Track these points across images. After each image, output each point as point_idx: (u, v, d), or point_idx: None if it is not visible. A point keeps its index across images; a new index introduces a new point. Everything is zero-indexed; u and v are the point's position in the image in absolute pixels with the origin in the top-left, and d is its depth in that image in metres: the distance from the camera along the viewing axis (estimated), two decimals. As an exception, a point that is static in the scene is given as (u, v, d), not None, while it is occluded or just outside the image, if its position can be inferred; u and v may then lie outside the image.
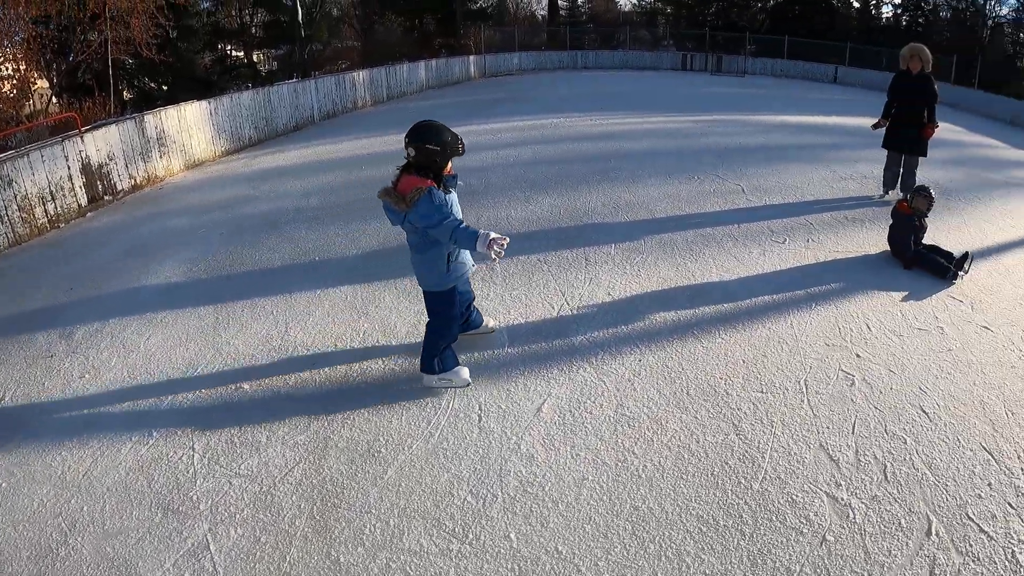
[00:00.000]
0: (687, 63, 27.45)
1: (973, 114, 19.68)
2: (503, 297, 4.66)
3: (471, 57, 22.92)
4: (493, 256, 2.91)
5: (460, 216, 3.15)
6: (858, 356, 4.18)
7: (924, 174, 8.72)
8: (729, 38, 30.78)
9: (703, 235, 6.08)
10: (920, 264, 5.40)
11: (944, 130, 15.05)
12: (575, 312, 4.51)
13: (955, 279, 5.27)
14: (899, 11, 38.52)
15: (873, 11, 38.24)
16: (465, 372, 3.52)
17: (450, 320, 3.39)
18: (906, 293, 5.05)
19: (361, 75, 15.45)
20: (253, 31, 29.89)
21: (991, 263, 5.91)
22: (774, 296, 4.91)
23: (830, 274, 5.33)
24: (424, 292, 3.36)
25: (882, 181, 7.59)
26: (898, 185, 7.43)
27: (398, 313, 4.41)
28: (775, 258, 5.58)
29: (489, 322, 4.04)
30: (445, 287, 3.27)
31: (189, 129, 9.60)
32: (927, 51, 6.94)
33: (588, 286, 5.04)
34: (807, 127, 12.45)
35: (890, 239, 5.67)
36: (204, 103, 10.05)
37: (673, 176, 8.09)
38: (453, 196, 3.15)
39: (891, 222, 5.67)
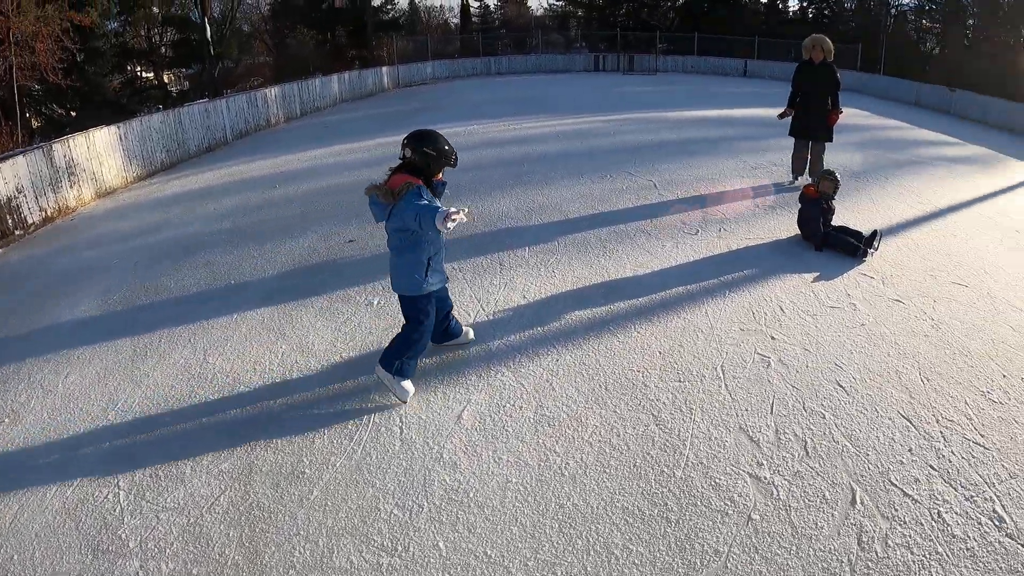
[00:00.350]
0: (599, 64, 29.02)
1: (879, 98, 21.71)
2: None
3: (384, 68, 23.96)
4: (449, 226, 3.17)
5: None
6: (773, 338, 4.55)
7: (833, 158, 9.55)
8: (640, 37, 33.06)
9: (616, 232, 6.43)
10: (831, 245, 5.92)
11: (851, 115, 16.63)
12: (491, 317, 4.76)
13: (865, 257, 5.81)
14: (805, 3, 42.00)
15: (780, 5, 41.39)
16: (411, 390, 3.76)
17: (423, 328, 3.63)
18: (818, 274, 5.53)
19: (273, 91, 15.85)
20: (163, 51, 30.51)
21: (900, 239, 6.54)
22: (688, 286, 5.26)
23: (743, 261, 5.78)
24: (399, 297, 3.63)
25: (791, 168, 8.30)
26: (806, 171, 8.10)
27: (315, 332, 4.61)
28: (688, 249, 5.97)
29: (469, 332, 4.32)
30: (418, 292, 3.54)
31: (99, 156, 9.49)
32: (828, 41, 7.74)
33: (503, 291, 5.27)
34: (717, 120, 13.37)
35: (800, 223, 6.19)
36: (114, 128, 10.00)
37: (585, 176, 8.50)
38: (437, 202, 3.46)
39: (800, 206, 6.16)
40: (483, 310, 4.87)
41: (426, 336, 3.70)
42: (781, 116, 8.00)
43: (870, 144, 12.04)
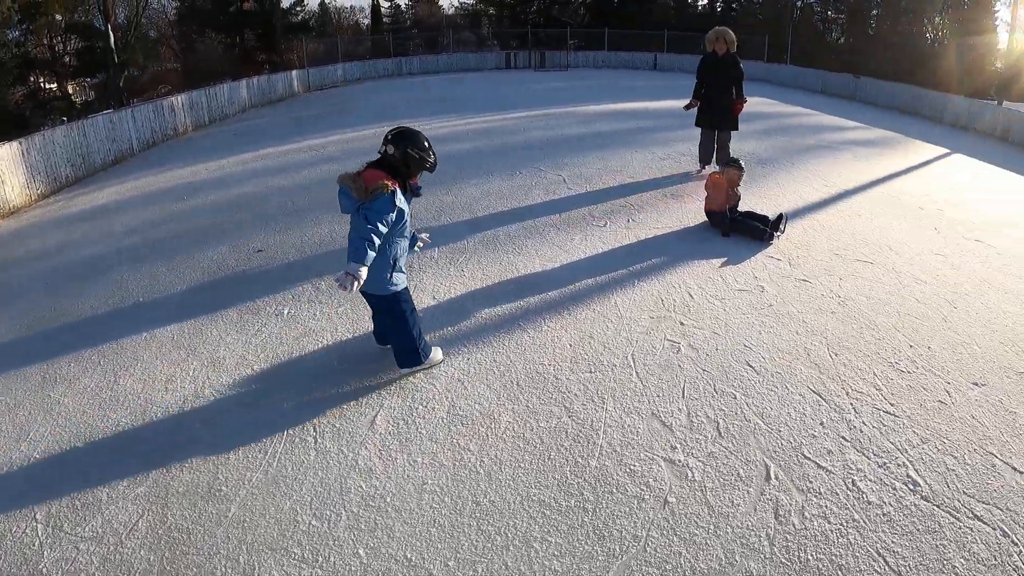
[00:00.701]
0: (511, 61, 29.62)
1: (786, 87, 23.04)
2: (329, 315, 4.94)
3: (294, 72, 23.66)
4: (336, 284, 3.37)
5: (410, 225, 3.68)
6: (682, 324, 4.73)
7: (741, 146, 10.02)
8: (551, 34, 34.00)
9: (525, 228, 6.55)
10: (738, 230, 6.22)
11: (758, 104, 17.57)
12: None
13: (772, 240, 6.12)
14: None
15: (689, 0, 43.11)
16: (438, 354, 4.15)
17: (409, 314, 3.78)
18: (725, 259, 5.80)
19: (180, 99, 15.47)
20: (66, 60, 29.48)
21: (806, 221, 6.92)
22: (598, 278, 5.41)
23: (651, 250, 6.00)
24: (372, 296, 3.73)
25: (698, 157, 8.68)
26: (714, 159, 8.47)
27: (226, 346, 4.59)
28: (597, 242, 6.14)
29: None
30: (388, 292, 3.63)
31: (1, 174, 8.93)
32: (731, 33, 8.21)
33: (413, 293, 5.23)
34: (627, 113, 13.80)
35: (707, 210, 6.47)
36: (15, 144, 9.45)
37: (495, 174, 8.61)
38: (406, 207, 3.54)
39: (706, 194, 6.42)
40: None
41: (414, 316, 3.84)
42: (687, 107, 8.41)
43: (776, 131, 12.67)
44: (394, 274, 3.64)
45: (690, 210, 7.02)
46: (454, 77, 26.00)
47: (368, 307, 4.13)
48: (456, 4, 44.94)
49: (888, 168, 10.14)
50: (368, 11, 47.27)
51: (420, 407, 3.87)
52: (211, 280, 5.89)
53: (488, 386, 4.07)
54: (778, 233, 6.28)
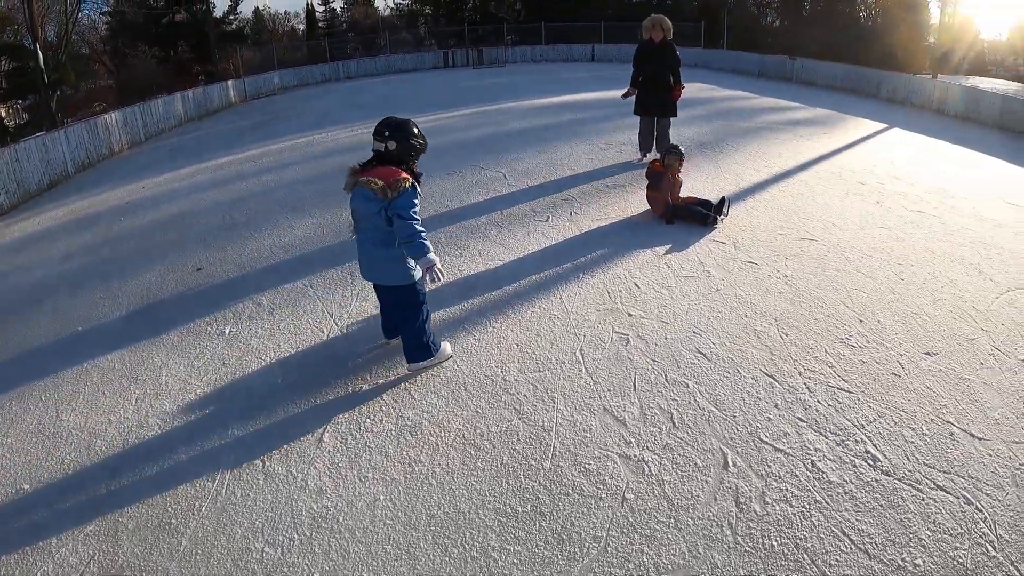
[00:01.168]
0: (449, 60, 29.71)
1: (724, 72, 23.49)
2: (271, 331, 4.87)
3: (230, 82, 23.40)
4: (428, 281, 3.54)
5: None
6: (630, 315, 4.71)
7: (681, 132, 10.12)
8: (488, 30, 34.65)
9: (467, 228, 6.48)
10: (681, 216, 6.25)
11: (696, 89, 17.81)
12: (345, 331, 4.76)
13: (716, 224, 6.17)
14: None
15: None
16: (448, 348, 4.21)
17: (422, 304, 3.84)
18: (670, 246, 5.82)
19: (114, 117, 15.23)
20: None
21: (748, 203, 6.99)
22: (542, 274, 5.37)
23: (595, 242, 5.99)
24: (391, 288, 3.78)
25: (639, 146, 8.71)
26: (654, 147, 8.54)
27: (168, 371, 4.49)
28: (540, 237, 6.10)
29: None
30: (408, 281, 3.70)
31: None
32: (667, 20, 8.29)
33: (356, 302, 5.23)
34: (567, 106, 13.85)
35: (649, 199, 6.50)
36: None
37: (434, 175, 8.51)
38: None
39: (647, 182, 6.43)
40: (336, 325, 4.85)
41: (426, 308, 3.91)
42: (625, 96, 8.48)
43: (715, 115, 12.85)
44: (409, 262, 3.65)
45: (632, 199, 7.05)
46: (392, 79, 25.89)
47: (371, 308, 4.00)
48: (392, 5, 44.87)
49: (828, 146, 10.34)
50: (303, 16, 46.97)
51: (367, 420, 3.79)
52: (151, 303, 5.75)
53: (436, 393, 3.99)
54: (721, 217, 6.32)
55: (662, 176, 6.34)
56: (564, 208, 6.92)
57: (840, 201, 7.35)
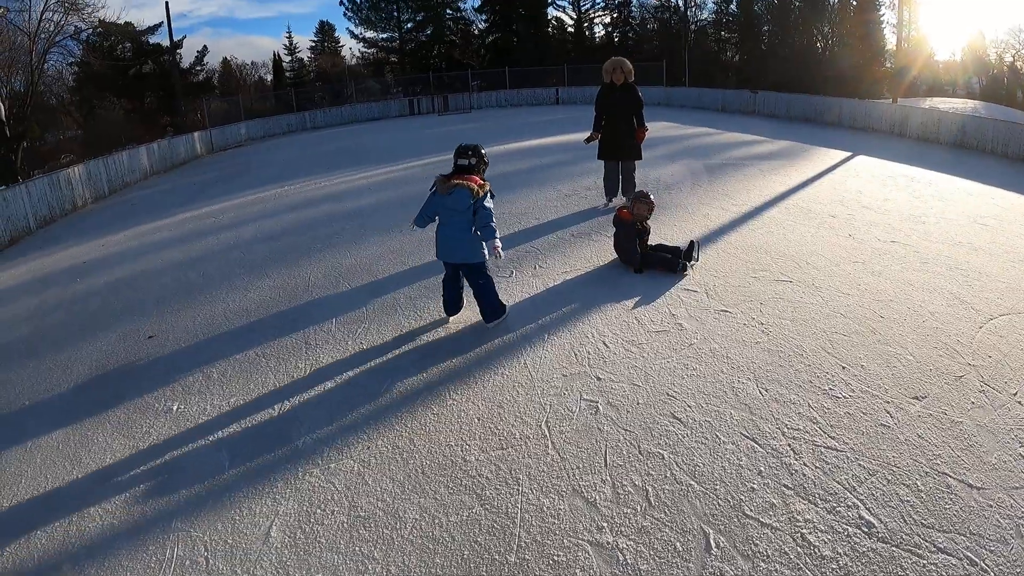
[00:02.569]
0: (414, 107, 29.87)
1: (687, 109, 23.63)
2: (220, 407, 4.52)
3: (196, 134, 23.12)
4: (496, 256, 4.65)
5: None
6: (599, 379, 4.39)
7: (646, 174, 9.94)
8: (453, 77, 34.89)
9: (427, 287, 6.17)
10: (649, 265, 6.01)
11: (660, 128, 17.82)
12: (297, 406, 4.41)
13: (686, 271, 5.91)
14: (610, 29, 45.66)
15: (587, 32, 44.63)
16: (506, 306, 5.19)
17: (490, 275, 4.95)
18: (639, 297, 5.53)
19: (77, 171, 14.86)
20: None
21: (719, 245, 6.77)
22: (505, 337, 5.05)
23: (561, 298, 5.68)
24: (470, 265, 4.82)
25: (604, 190, 8.45)
26: (619, 191, 8.31)
27: (112, 453, 4.16)
28: (503, 295, 5.75)
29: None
30: (481, 259, 4.73)
31: None
32: (627, 62, 8.16)
33: (309, 374, 4.87)
34: (530, 151, 13.71)
35: (616, 247, 6.23)
36: None
37: (394, 229, 8.29)
38: None
39: (615, 230, 6.16)
40: (288, 400, 4.45)
41: (492, 278, 5.04)
42: (588, 140, 8.26)
43: (681, 154, 12.75)
44: (480, 245, 4.70)
45: (599, 248, 6.79)
46: (358, 128, 25.83)
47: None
48: (357, 55, 45.24)
49: (795, 179, 10.23)
50: (271, 66, 47.23)
51: (318, 511, 3.41)
52: (99, 374, 5.38)
53: (391, 478, 3.63)
54: (691, 263, 6.07)
55: (630, 225, 6.08)
56: (529, 261, 6.63)
57: (812, 237, 7.15)
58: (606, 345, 4.84)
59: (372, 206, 10.06)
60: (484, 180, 4.73)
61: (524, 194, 9.51)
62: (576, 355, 4.73)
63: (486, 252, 4.72)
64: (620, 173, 8.38)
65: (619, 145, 8.16)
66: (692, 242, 6.25)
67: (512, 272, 6.40)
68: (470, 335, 5.19)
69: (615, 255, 6.38)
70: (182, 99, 32.40)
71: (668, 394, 4.18)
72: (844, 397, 4.10)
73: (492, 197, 4.72)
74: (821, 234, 7.29)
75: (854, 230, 7.47)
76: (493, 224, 4.65)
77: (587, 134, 8.40)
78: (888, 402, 4.03)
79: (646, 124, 8.24)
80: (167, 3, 28.48)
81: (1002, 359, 4.43)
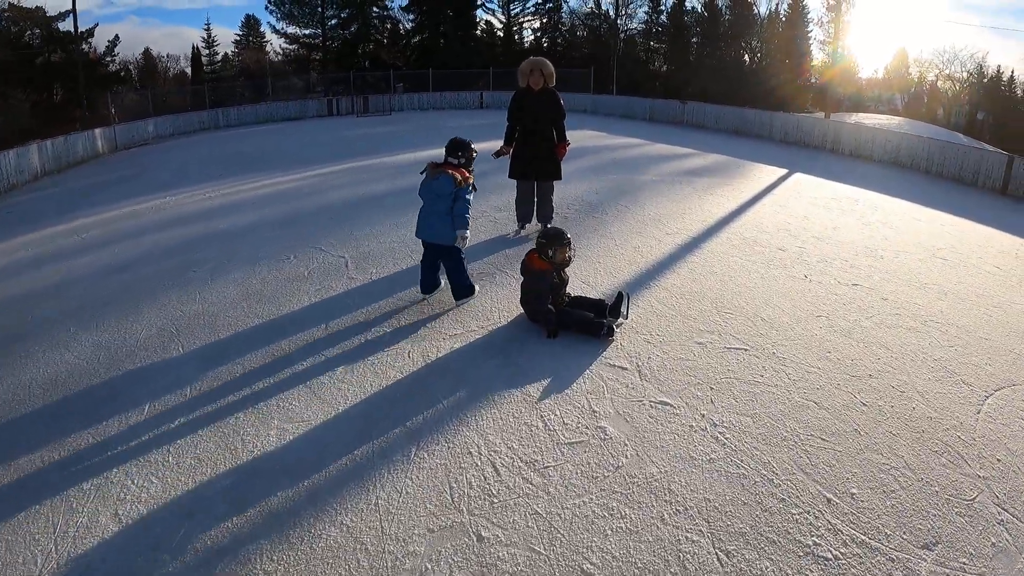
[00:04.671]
0: (333, 108, 27.66)
1: (614, 117, 22.53)
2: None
3: (98, 130, 20.03)
4: (463, 244, 4.92)
5: None
6: (480, 539, 2.81)
7: (567, 190, 8.45)
8: (376, 77, 32.73)
9: (274, 357, 4.52)
10: (566, 326, 4.41)
11: (588, 137, 16.44)
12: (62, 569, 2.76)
13: (612, 335, 4.37)
14: (539, 34, 44.58)
15: (516, 36, 43.39)
16: (477, 287, 5.29)
17: (463, 256, 5.05)
18: (548, 380, 3.95)
19: None
20: None
21: (652, 292, 5.37)
22: (357, 452, 3.42)
23: (442, 381, 4.06)
24: (444, 247, 4.91)
25: (516, 216, 6.86)
26: (535, 216, 6.90)
27: None
28: (366, 374, 4.18)
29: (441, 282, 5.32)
30: (454, 240, 4.81)
31: None
32: (549, 64, 6.55)
33: (90, 521, 3.05)
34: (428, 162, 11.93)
35: (524, 302, 4.64)
36: None
37: (264, 260, 6.53)
38: None
39: (523, 280, 4.58)
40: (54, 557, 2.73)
41: (465, 259, 5.15)
42: (497, 155, 6.61)
43: (607, 168, 11.38)
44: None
45: (503, 298, 5.24)
46: (271, 128, 23.57)
47: None
48: (278, 51, 42.67)
49: (734, 200, 8.97)
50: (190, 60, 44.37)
51: None
52: None
53: None
54: (619, 322, 4.56)
55: (543, 276, 4.49)
56: (408, 316, 5.02)
57: (763, 279, 5.81)
58: (496, 471, 3.23)
59: (247, 227, 8.23)
60: (470, 172, 4.98)
61: (413, 217, 7.83)
62: (451, 490, 3.11)
63: (453, 236, 4.82)
64: (536, 195, 6.78)
65: (535, 162, 6.59)
66: (620, 294, 4.76)
67: (384, 335, 4.73)
68: (308, 449, 3.55)
69: (521, 310, 4.77)
70: (85, 92, 29.33)
71: (582, 570, 2.58)
72: (837, 557, 2.73)
73: (474, 191, 4.95)
74: (773, 274, 5.94)
75: (809, 268, 6.19)
76: (467, 216, 4.82)
77: (498, 147, 6.78)
78: (893, 559, 2.75)
79: (567, 138, 6.69)
80: (70, -16, 25.74)
81: (1012, 462, 3.43)
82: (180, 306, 5.64)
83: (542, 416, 3.65)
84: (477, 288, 5.23)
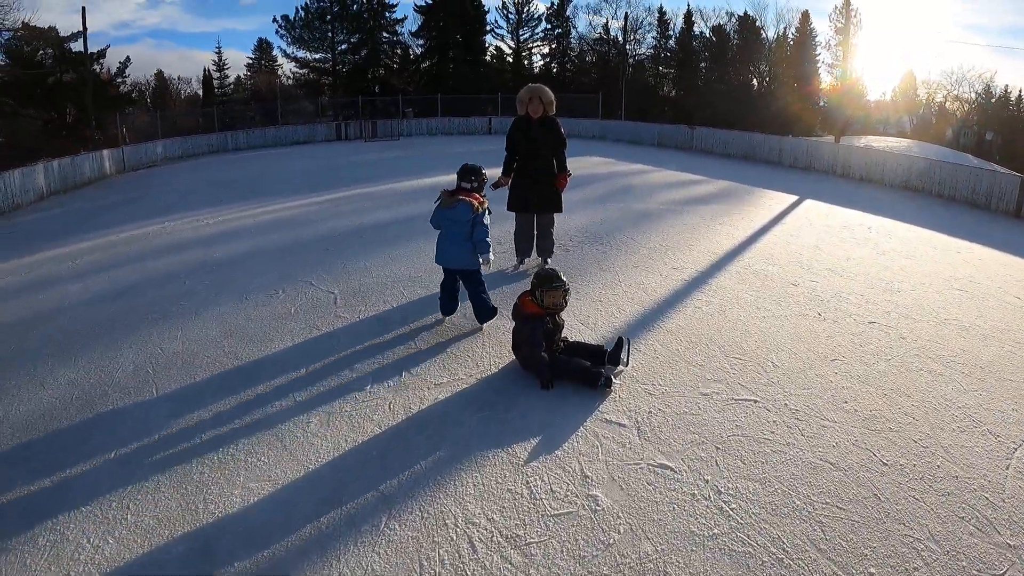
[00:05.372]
0: (342, 132, 27.60)
1: (622, 143, 22.21)
2: None
3: (105, 151, 19.88)
4: (486, 266, 5.04)
5: None
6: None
7: (570, 221, 8.13)
8: (385, 102, 33.05)
9: (249, 409, 4.18)
10: (562, 376, 4.02)
11: (594, 164, 16.22)
12: None
13: (610, 386, 3.97)
14: (548, 60, 44.64)
15: (526, 62, 43.47)
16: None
17: (483, 282, 5.13)
18: (538, 440, 3.59)
19: None
20: None
21: (655, 334, 5.02)
22: (320, 522, 3.06)
23: (422, 437, 3.72)
24: (465, 271, 5.03)
25: (515, 250, 6.54)
26: (534, 250, 6.61)
27: None
28: (342, 429, 3.84)
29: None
30: (476, 265, 4.99)
31: None
32: (548, 91, 6.26)
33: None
34: (440, 189, 11.63)
35: (516, 349, 4.28)
36: None
37: (253, 294, 6.26)
38: None
39: (515, 325, 4.23)
40: None
41: (484, 283, 5.19)
42: (496, 186, 6.24)
43: (612, 195, 11.07)
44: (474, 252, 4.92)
45: (495, 340, 4.91)
46: (279, 152, 23.46)
47: None
48: (289, 75, 42.88)
49: (742, 229, 8.62)
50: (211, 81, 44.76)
51: None
52: None
53: None
54: (618, 370, 4.20)
55: (536, 321, 4.14)
56: (395, 362, 4.69)
57: (773, 318, 5.44)
58: (472, 547, 2.86)
59: (242, 256, 7.97)
60: (483, 197, 5.05)
61: (419, 248, 7.52)
62: (421, 569, 2.75)
63: (478, 260, 4.95)
64: (535, 228, 6.48)
65: (535, 194, 6.29)
66: (621, 339, 4.42)
67: (369, 384, 4.41)
68: (272, 515, 3.19)
69: (512, 357, 4.42)
70: (94, 112, 29.38)
71: None
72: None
73: (489, 213, 4.97)
74: (784, 313, 5.57)
75: (823, 305, 5.82)
76: (488, 240, 4.90)
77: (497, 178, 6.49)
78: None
79: (569, 169, 6.40)
80: (83, 8, 25.93)
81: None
82: (161, 343, 5.33)
83: (528, 482, 3.28)
84: (499, 310, 5.23)
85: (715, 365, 4.56)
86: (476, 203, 4.92)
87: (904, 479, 3.39)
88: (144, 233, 9.97)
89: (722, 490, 3.24)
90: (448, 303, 5.29)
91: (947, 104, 46.60)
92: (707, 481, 3.29)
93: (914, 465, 3.51)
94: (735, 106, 36.57)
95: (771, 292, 6.11)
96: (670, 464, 3.41)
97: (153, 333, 5.55)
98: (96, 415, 4.21)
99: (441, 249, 5.05)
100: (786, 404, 4.07)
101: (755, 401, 4.09)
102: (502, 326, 5.15)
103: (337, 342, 5.10)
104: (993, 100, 45.02)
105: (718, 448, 3.57)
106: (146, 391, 4.50)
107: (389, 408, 4.04)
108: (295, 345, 5.12)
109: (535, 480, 3.31)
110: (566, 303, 4.32)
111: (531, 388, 4.21)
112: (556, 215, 6.54)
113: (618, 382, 4.21)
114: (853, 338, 5.16)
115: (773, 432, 3.75)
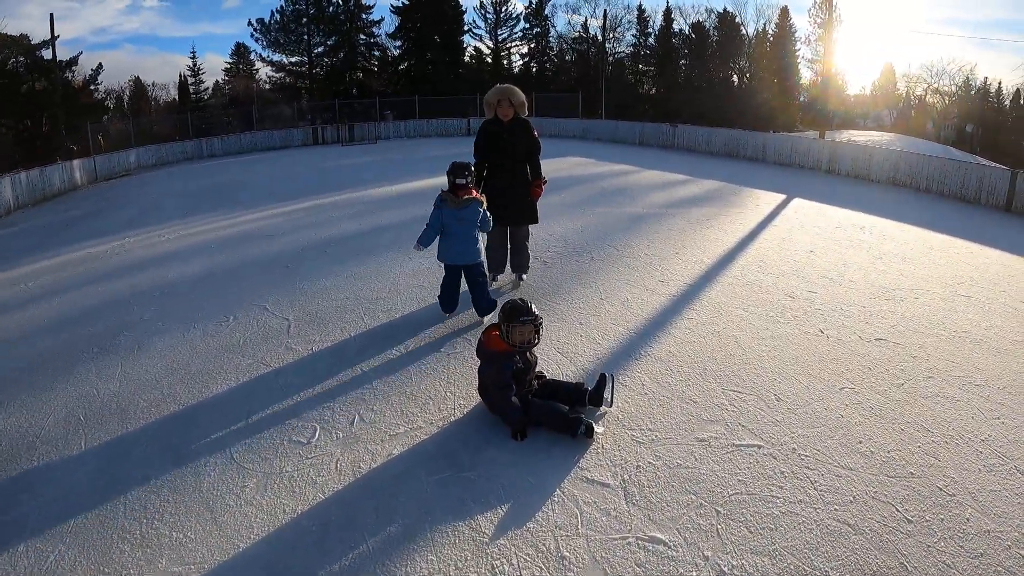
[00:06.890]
0: (318, 136, 26.99)
1: (603, 143, 21.77)
2: None
3: (76, 161, 19.17)
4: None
5: None
6: None
7: (549, 231, 7.60)
8: (363, 104, 32.28)
9: (177, 464, 3.61)
10: (536, 422, 3.41)
11: (575, 164, 15.68)
12: None
13: (591, 434, 3.39)
14: (528, 59, 44.24)
15: (505, 62, 43.03)
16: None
17: (486, 274, 5.30)
18: (505, 509, 3.01)
19: None
20: None
21: (643, 363, 4.47)
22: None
23: (369, 504, 3.16)
24: (466, 265, 5.10)
25: (486, 264, 5.89)
26: (507, 265, 6.05)
27: None
28: (279, 494, 3.26)
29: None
30: (480, 259, 5.15)
31: None
32: (519, 92, 5.70)
33: None
34: (418, 195, 11.17)
35: (482, 390, 3.69)
36: None
37: (202, 322, 5.72)
38: None
39: (480, 364, 3.64)
40: None
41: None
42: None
43: (594, 199, 10.54)
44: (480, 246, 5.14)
45: (462, 379, 4.30)
46: (253, 158, 22.84)
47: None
48: (266, 80, 42.18)
49: (732, 235, 8.14)
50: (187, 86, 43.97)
51: None
52: None
53: None
54: (603, 410, 3.62)
55: (504, 361, 3.55)
56: (346, 406, 4.09)
57: (772, 338, 4.97)
58: None
59: (197, 277, 7.35)
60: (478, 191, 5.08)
61: (383, 267, 6.92)
62: None
63: (481, 253, 5.14)
64: (509, 241, 5.93)
65: (507, 204, 5.70)
66: (603, 376, 3.84)
67: (316, 432, 3.82)
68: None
69: (479, 399, 3.84)
70: (65, 121, 28.63)
71: None
72: None
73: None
74: (782, 332, 5.05)
75: (824, 321, 5.34)
76: (490, 219, 5.16)
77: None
78: None
79: (543, 175, 5.85)
80: (51, 15, 25.13)
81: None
82: (97, 383, 4.74)
83: (493, 566, 2.70)
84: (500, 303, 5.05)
85: (712, 402, 4.01)
86: (481, 198, 5.08)
87: (932, 539, 2.89)
88: (102, 251, 9.35)
89: (725, 570, 2.68)
90: (452, 298, 5.32)
91: (926, 97, 46.65)
92: (707, 559, 2.73)
93: (941, 520, 3.01)
94: (716, 103, 36.35)
95: (767, 306, 5.59)
96: (663, 537, 2.85)
97: (92, 371, 4.96)
98: (21, 472, 3.65)
99: (450, 248, 5.06)
100: (794, 448, 3.53)
101: (759, 446, 3.55)
102: (471, 359, 4.57)
103: (285, 380, 4.52)
104: (973, 93, 45.08)
105: (719, 513, 3.02)
106: (74, 444, 3.90)
107: (336, 468, 3.44)
108: (239, 385, 4.53)
109: (502, 564, 2.73)
110: (538, 339, 3.72)
111: (501, 438, 3.62)
112: (532, 227, 5.95)
113: (601, 429, 3.64)
114: (860, 360, 4.65)
115: (781, 487, 3.20)
